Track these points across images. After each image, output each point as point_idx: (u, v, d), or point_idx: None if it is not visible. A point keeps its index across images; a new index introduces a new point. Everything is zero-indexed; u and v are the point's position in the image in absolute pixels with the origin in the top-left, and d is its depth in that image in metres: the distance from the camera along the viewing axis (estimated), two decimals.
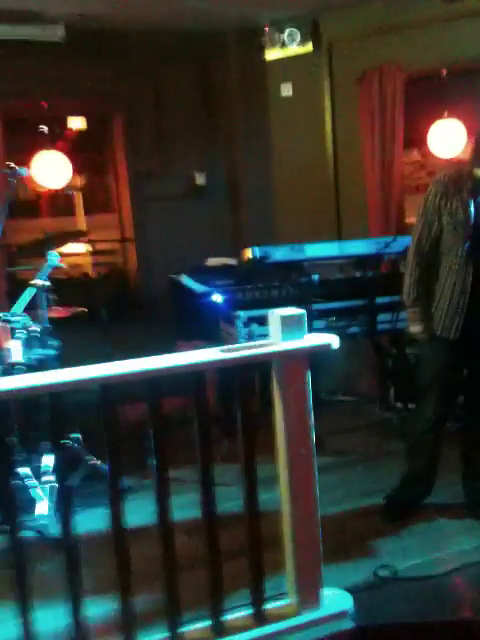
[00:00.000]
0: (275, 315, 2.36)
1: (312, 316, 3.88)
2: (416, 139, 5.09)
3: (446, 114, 4.70)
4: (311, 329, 3.82)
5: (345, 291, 3.97)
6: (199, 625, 2.32)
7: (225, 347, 2.28)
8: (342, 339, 4.03)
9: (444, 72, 4.76)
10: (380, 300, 3.95)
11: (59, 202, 5.86)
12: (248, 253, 3.88)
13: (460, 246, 2.91)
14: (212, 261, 4.86)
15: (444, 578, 2.65)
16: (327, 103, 5.16)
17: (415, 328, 3.09)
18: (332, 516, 3.21)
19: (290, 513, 2.38)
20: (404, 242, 3.71)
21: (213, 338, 4.23)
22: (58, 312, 3.68)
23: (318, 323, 3.84)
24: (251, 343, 2.36)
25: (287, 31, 5.01)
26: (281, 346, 2.33)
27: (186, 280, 4.22)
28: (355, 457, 4.02)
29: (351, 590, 2.53)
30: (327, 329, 3.93)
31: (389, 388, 4.69)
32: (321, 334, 2.47)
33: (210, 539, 2.30)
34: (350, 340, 4.15)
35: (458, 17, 4.61)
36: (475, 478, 3.22)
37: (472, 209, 2.88)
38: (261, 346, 2.34)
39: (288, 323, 2.36)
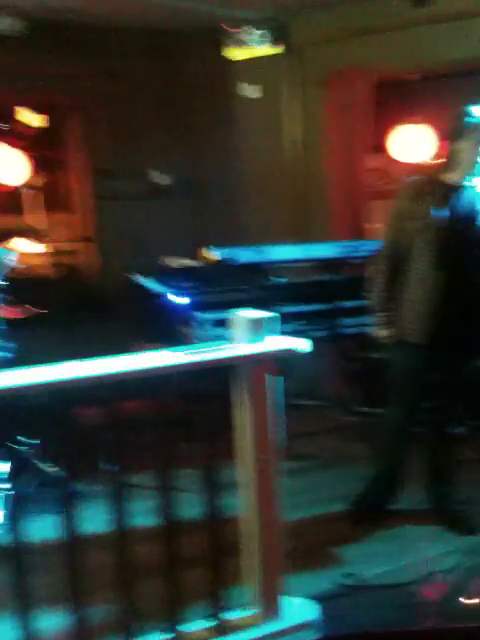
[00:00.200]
0: (240, 318, 2.29)
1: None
2: (384, 144, 5.06)
3: (414, 119, 4.69)
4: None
5: (310, 294, 3.92)
6: (157, 636, 2.23)
7: (189, 350, 2.20)
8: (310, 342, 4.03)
9: (413, 76, 4.76)
10: (345, 304, 3.91)
11: (12, 199, 5.67)
12: (212, 254, 3.81)
13: (428, 251, 2.89)
14: (174, 262, 4.77)
15: (411, 586, 2.61)
16: (294, 105, 5.11)
17: (382, 332, 3.07)
18: (296, 522, 3.12)
19: (252, 520, 2.31)
20: (370, 246, 3.69)
21: (174, 340, 4.15)
22: (13, 313, 3.55)
23: (284, 326, 3.77)
24: (216, 346, 2.28)
25: (255, 32, 4.96)
26: (245, 349, 2.26)
27: (147, 281, 4.12)
28: (319, 462, 3.98)
29: (316, 599, 2.46)
30: (292, 333, 3.87)
31: (354, 392, 4.67)
32: (291, 337, 2.40)
33: (168, 546, 2.21)
34: (315, 344, 4.10)
35: (427, 21, 4.60)
36: (441, 483, 3.19)
37: (441, 215, 2.86)
38: (226, 349, 2.26)
39: (253, 326, 2.30)
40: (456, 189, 2.91)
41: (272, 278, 3.85)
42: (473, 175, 2.88)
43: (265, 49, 4.97)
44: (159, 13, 4.72)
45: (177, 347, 4.10)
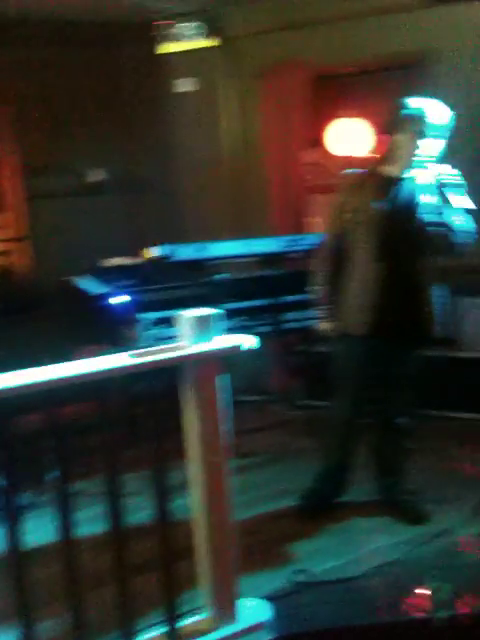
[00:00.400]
0: (186, 317, 2.24)
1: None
2: (322, 138, 5.06)
3: (350, 113, 4.71)
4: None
5: (253, 290, 3.90)
6: None
7: (134, 351, 2.14)
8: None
9: (349, 70, 4.77)
10: (288, 298, 3.90)
11: None
12: (150, 252, 3.73)
13: (369, 243, 2.90)
14: (113, 261, 4.67)
15: (362, 579, 2.62)
16: (230, 99, 5.06)
17: (326, 325, 3.08)
18: (246, 521, 3.12)
19: (203, 522, 2.28)
20: (312, 240, 3.68)
21: (115, 342, 4.06)
22: None
23: (227, 323, 3.73)
24: (161, 347, 2.22)
25: (189, 24, 4.89)
26: (193, 349, 2.22)
27: (85, 281, 4.02)
28: (265, 458, 3.96)
29: (269, 598, 2.45)
30: (236, 329, 3.83)
31: (299, 386, 4.68)
32: (237, 335, 2.37)
33: (118, 553, 2.15)
34: (259, 339, 4.08)
35: (364, 15, 4.61)
36: (388, 474, 3.22)
37: (380, 207, 2.88)
38: (171, 350, 2.21)
39: (198, 325, 2.25)
40: (395, 181, 2.92)
41: (214, 275, 3.80)
42: (412, 167, 2.90)
43: (200, 42, 4.91)
44: (93, 5, 4.59)
45: (121, 349, 4.04)
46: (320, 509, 3.20)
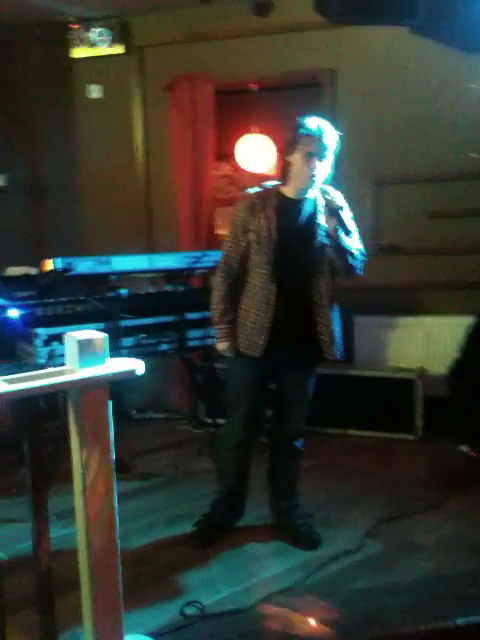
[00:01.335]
0: (71, 338, 2.12)
1: (120, 333, 3.68)
2: (228, 152, 5.04)
3: (254, 128, 4.71)
4: (119, 346, 3.67)
5: (155, 306, 3.79)
6: None
7: (10, 377, 2.01)
8: (152, 355, 3.90)
9: (254, 86, 4.77)
10: (190, 315, 3.83)
11: None
12: (48, 264, 3.58)
13: (263, 264, 2.87)
14: (12, 270, 4.46)
15: (252, 611, 2.56)
16: (137, 108, 4.97)
17: (221, 345, 3.02)
18: (136, 549, 3.04)
19: (85, 555, 2.16)
20: (215, 256, 3.63)
21: (11, 357, 3.87)
22: None
23: (125, 340, 3.63)
24: (43, 371, 2.10)
25: (96, 30, 4.77)
26: (78, 374, 2.10)
27: None
28: (162, 480, 3.88)
29: (156, 634, 2.36)
30: (136, 346, 3.74)
31: (200, 404, 4.61)
32: (124, 359, 2.26)
33: None
34: (161, 356, 4.00)
35: (269, 31, 4.64)
36: (282, 497, 3.19)
37: (275, 228, 2.85)
38: (55, 374, 2.09)
39: (86, 347, 2.14)
40: (293, 202, 2.90)
41: (115, 289, 3.67)
42: (306, 188, 2.87)
43: (107, 48, 4.80)
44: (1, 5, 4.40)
45: (14, 365, 3.85)
46: (214, 536, 3.12)
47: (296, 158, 2.84)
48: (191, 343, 3.88)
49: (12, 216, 4.84)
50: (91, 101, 5.03)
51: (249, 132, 4.68)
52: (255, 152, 4.64)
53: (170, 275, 4.01)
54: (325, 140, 2.81)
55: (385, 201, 4.74)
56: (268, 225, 2.85)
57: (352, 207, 4.68)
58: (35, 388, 2.01)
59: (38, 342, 3.41)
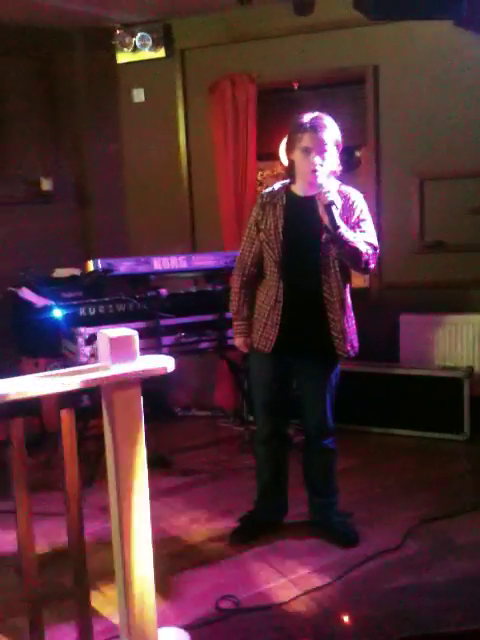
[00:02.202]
0: (104, 336, 2.17)
1: (160, 331, 3.74)
2: (271, 151, 5.04)
3: None
4: (159, 345, 3.73)
5: (194, 305, 3.85)
6: None
7: (45, 373, 2.07)
8: (192, 354, 3.95)
9: (296, 85, 4.77)
10: (229, 314, 3.85)
11: None
12: (90, 265, 3.67)
13: (273, 262, 2.90)
14: (59, 272, 4.58)
15: (287, 606, 2.57)
16: (180, 111, 5.02)
17: (237, 341, 3.10)
18: (176, 544, 3.08)
19: (119, 549, 2.21)
20: None
21: (57, 355, 3.98)
22: None
23: (165, 339, 3.69)
24: (76, 368, 2.16)
25: (139, 35, 4.85)
26: (110, 371, 2.15)
27: (26, 292, 3.93)
28: (204, 476, 3.91)
29: (191, 627, 2.39)
30: (176, 345, 3.79)
31: (242, 402, 4.64)
32: (156, 356, 2.30)
33: (29, 579, 2.07)
34: (200, 355, 4.05)
35: (311, 30, 4.63)
36: (317, 494, 3.18)
37: (282, 226, 2.86)
38: (88, 371, 2.14)
39: (118, 345, 2.18)
40: (302, 200, 2.89)
41: (155, 289, 3.74)
42: (313, 185, 2.82)
43: (150, 53, 4.87)
44: (41, 12, 4.52)
45: (59, 362, 3.95)
46: (255, 532, 3.13)
47: (296, 155, 2.85)
48: (230, 342, 3.90)
49: (59, 219, 4.96)
50: (135, 105, 5.11)
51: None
52: None
53: (210, 274, 4.06)
54: (321, 134, 2.78)
55: (430, 198, 4.67)
56: (275, 224, 2.89)
57: (397, 204, 4.70)
58: (64, 385, 2.07)
59: (80, 341, 3.50)
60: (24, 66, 4.91)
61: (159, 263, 3.80)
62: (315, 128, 2.78)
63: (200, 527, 3.28)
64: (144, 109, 5.10)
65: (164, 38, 4.85)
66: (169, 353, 3.54)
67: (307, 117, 2.82)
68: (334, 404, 3.07)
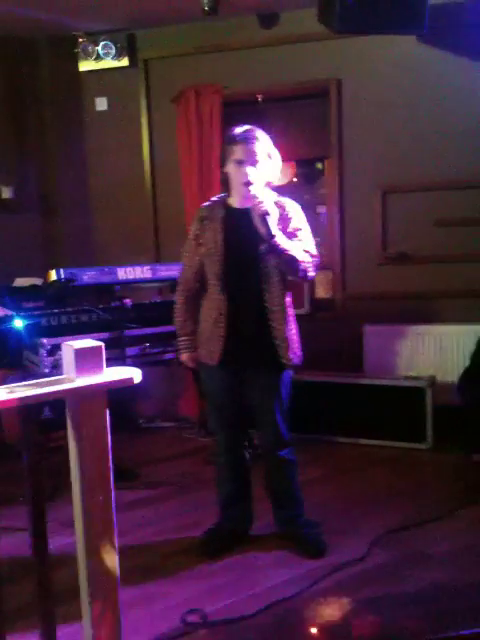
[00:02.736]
0: (68, 347, 2.13)
1: (125, 342, 3.70)
2: None
3: None
4: (124, 356, 3.69)
5: (159, 315, 3.81)
6: None
7: (10, 385, 2.02)
8: (157, 364, 3.92)
9: (260, 97, 4.79)
10: None
11: None
12: (52, 275, 3.61)
13: (214, 275, 2.91)
14: (20, 281, 4.51)
15: (254, 619, 2.54)
16: (144, 120, 5.01)
17: (183, 357, 3.11)
18: (141, 557, 3.04)
19: (84, 564, 2.16)
20: None
21: (17, 366, 3.90)
22: None
23: (129, 350, 3.65)
24: (41, 380, 2.11)
25: (102, 43, 4.82)
26: (75, 382, 2.11)
27: None
28: (170, 489, 3.87)
29: None
30: (141, 355, 3.75)
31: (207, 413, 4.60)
32: (122, 367, 2.26)
33: None
34: (165, 365, 4.02)
35: (276, 42, 4.67)
36: (281, 507, 3.17)
37: (220, 239, 2.87)
38: (52, 383, 2.10)
39: (84, 356, 2.14)
40: (239, 212, 2.89)
41: (119, 299, 3.70)
42: (247, 196, 2.81)
43: (113, 62, 4.85)
44: (6, 20, 4.48)
45: (20, 374, 3.87)
46: (222, 544, 3.10)
47: (230, 168, 2.87)
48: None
49: (21, 228, 4.89)
50: (99, 114, 5.09)
51: None
52: None
53: (174, 284, 4.02)
54: (252, 145, 2.80)
55: (393, 210, 4.74)
56: (214, 238, 2.89)
57: (360, 216, 4.75)
58: (32, 396, 2.02)
59: (43, 352, 3.44)
60: None
61: (123, 273, 3.77)
62: (246, 140, 2.79)
63: (166, 540, 3.23)
64: (108, 117, 5.07)
65: (128, 47, 4.84)
66: (134, 364, 3.52)
67: (238, 130, 2.85)
68: (287, 414, 3.04)
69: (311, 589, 2.74)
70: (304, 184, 5.41)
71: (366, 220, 4.78)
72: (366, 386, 4.50)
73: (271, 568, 2.93)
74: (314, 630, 2.49)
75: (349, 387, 4.51)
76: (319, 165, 5.33)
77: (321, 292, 5.15)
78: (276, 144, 4.64)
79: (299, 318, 4.75)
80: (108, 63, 4.86)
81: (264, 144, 2.84)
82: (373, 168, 4.71)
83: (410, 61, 4.55)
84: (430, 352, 4.67)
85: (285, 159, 4.85)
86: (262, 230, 2.74)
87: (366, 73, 4.65)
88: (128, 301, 3.68)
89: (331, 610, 2.63)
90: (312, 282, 4.90)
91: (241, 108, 4.87)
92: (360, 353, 4.73)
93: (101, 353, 2.16)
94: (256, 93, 4.81)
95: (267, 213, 2.72)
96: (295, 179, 5.29)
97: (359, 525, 3.32)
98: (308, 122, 4.70)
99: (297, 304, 4.81)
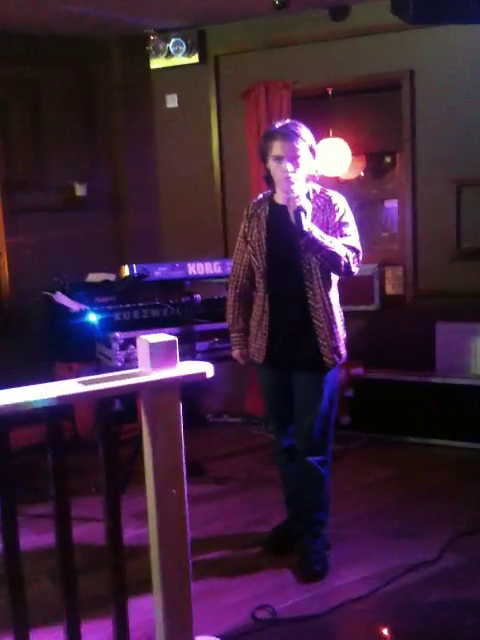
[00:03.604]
0: (143, 341, 2.16)
1: (194, 337, 3.73)
2: None
3: (331, 133, 4.66)
4: (193, 350, 3.72)
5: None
6: None
7: (84, 378, 2.06)
8: (225, 360, 3.93)
9: (330, 90, 4.74)
10: None
11: None
12: (124, 271, 3.67)
13: (259, 272, 2.89)
14: (93, 277, 4.61)
15: (324, 617, 2.52)
16: (213, 116, 5.02)
17: (234, 353, 3.11)
18: (209, 552, 3.05)
19: (156, 557, 2.18)
20: None
21: (91, 359, 3.99)
22: None
23: (199, 344, 3.68)
24: (116, 373, 2.14)
25: (172, 40, 4.86)
26: (150, 376, 2.13)
27: (61, 297, 3.95)
28: (237, 484, 3.88)
29: (227, 636, 2.36)
30: (210, 350, 3.77)
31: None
32: (195, 362, 2.28)
33: (66, 586, 2.05)
34: (233, 360, 4.02)
35: (345, 36, 4.61)
36: (295, 518, 3.10)
37: (265, 237, 2.85)
38: (127, 377, 2.13)
39: (157, 350, 2.16)
40: (283, 208, 2.81)
41: (188, 294, 3.74)
42: (291, 192, 2.72)
43: (183, 59, 4.88)
44: (77, 21, 4.57)
45: (93, 367, 3.95)
46: (289, 543, 3.07)
47: (270, 164, 2.81)
48: None
49: (93, 225, 4.99)
50: (169, 111, 5.13)
51: (324, 137, 4.63)
52: (330, 157, 4.58)
53: None
54: (292, 141, 2.73)
55: (467, 204, 4.60)
56: (259, 235, 2.87)
57: (433, 210, 4.64)
58: (107, 390, 2.06)
59: (115, 345, 3.50)
60: (61, 74, 4.96)
61: (194, 268, 3.79)
62: (285, 136, 2.73)
63: (234, 535, 3.25)
64: (177, 115, 5.11)
65: (198, 44, 4.86)
66: (203, 358, 3.54)
67: (277, 126, 2.80)
68: (328, 419, 2.92)
69: (381, 590, 2.70)
70: (371, 178, 5.33)
71: (439, 214, 4.66)
72: (437, 385, 4.41)
73: (342, 567, 2.90)
74: (385, 631, 2.44)
75: (420, 386, 4.42)
76: (387, 159, 5.24)
77: (390, 289, 5.06)
78: (346, 138, 4.64)
79: (368, 314, 4.77)
80: (179, 60, 4.88)
81: (304, 138, 2.77)
82: (447, 161, 4.59)
83: None
84: None
85: (355, 153, 4.84)
86: (296, 226, 2.69)
87: (440, 64, 4.53)
88: (198, 296, 3.71)
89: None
90: (382, 277, 4.83)
91: (311, 102, 4.82)
92: (431, 351, 4.63)
93: (175, 347, 2.18)
94: (326, 87, 4.75)
95: (301, 209, 2.67)
96: (362, 173, 5.21)
97: (429, 527, 3.25)
98: (379, 115, 4.60)
99: (366, 300, 4.82)
